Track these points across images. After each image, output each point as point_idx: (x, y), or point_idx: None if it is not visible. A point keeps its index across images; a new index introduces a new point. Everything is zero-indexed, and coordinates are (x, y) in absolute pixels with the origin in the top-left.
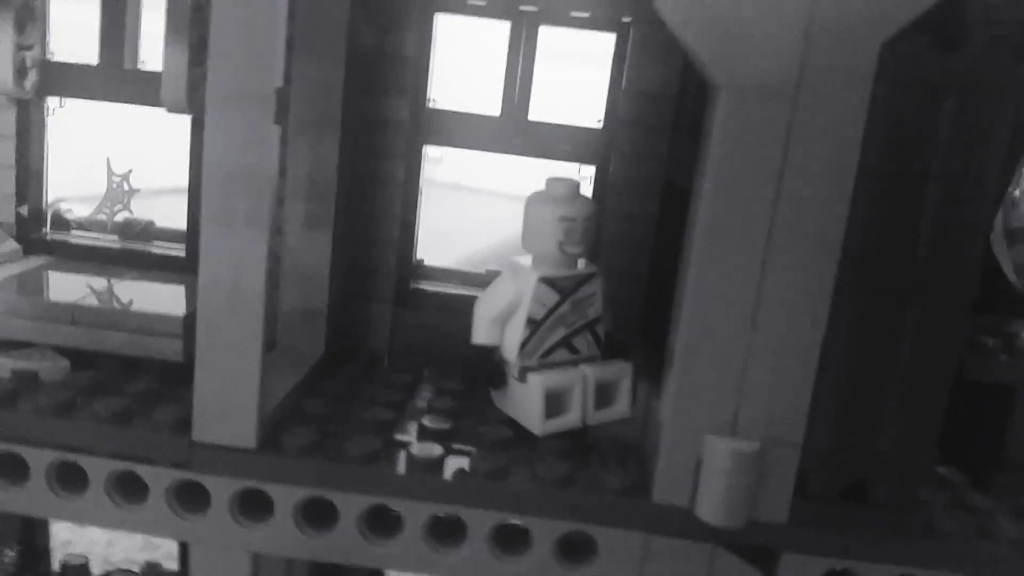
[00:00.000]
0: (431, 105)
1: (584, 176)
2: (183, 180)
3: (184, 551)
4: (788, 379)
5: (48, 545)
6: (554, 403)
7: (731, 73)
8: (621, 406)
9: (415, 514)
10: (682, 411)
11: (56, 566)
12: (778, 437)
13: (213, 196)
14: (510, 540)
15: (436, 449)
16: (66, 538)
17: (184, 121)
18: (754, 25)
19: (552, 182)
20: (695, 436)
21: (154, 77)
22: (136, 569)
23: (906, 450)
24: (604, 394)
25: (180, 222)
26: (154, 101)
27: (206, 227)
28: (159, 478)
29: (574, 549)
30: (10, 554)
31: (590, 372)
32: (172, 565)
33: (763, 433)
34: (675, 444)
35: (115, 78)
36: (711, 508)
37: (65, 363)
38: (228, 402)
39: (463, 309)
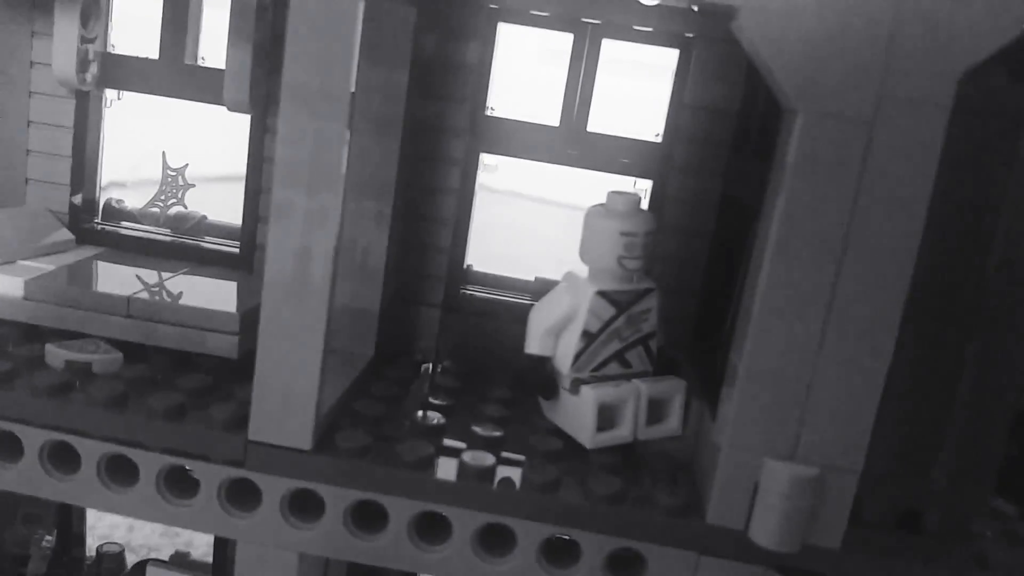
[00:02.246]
0: (490, 113)
1: (640, 189)
2: (234, 169)
3: (219, 542)
4: (851, 405)
5: (84, 531)
6: (606, 416)
7: (809, 98)
8: (672, 423)
9: (465, 522)
10: (742, 433)
11: (91, 553)
12: (837, 463)
13: (283, 193)
14: (556, 553)
15: (488, 458)
16: (90, 523)
17: (241, 119)
18: (834, 52)
19: (613, 196)
20: (754, 459)
21: (213, 74)
22: (164, 556)
23: (962, 481)
24: (656, 410)
25: (230, 212)
26: (212, 98)
27: (275, 225)
28: (211, 475)
29: (623, 565)
30: (48, 539)
31: (644, 387)
32: (195, 551)
33: (823, 459)
34: (733, 466)
35: (174, 73)
36: (766, 532)
37: (118, 355)
38: (287, 403)
39: (511, 315)
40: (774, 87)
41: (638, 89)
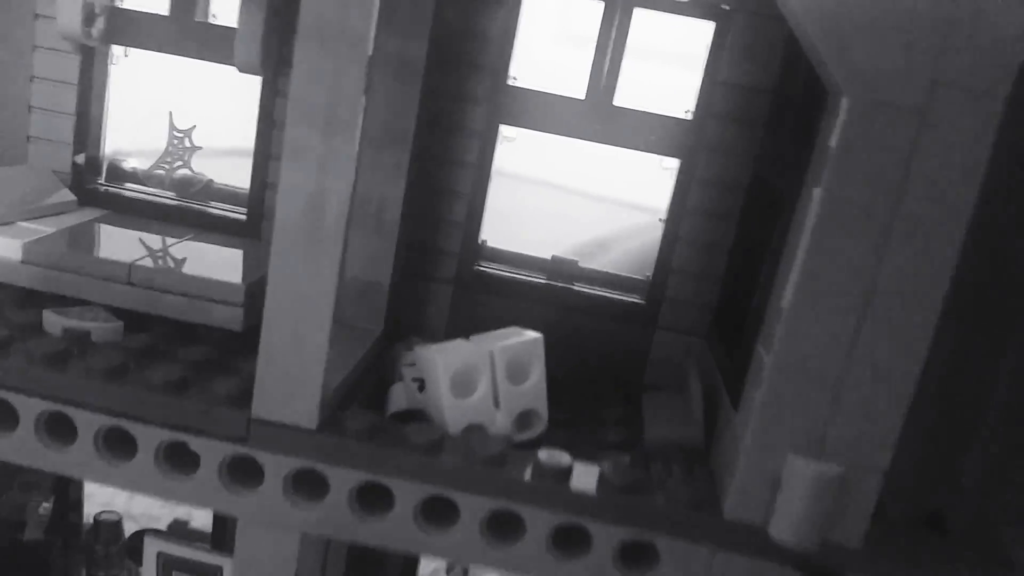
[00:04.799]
0: (512, 83)
1: (667, 168)
2: (240, 143)
3: (219, 520)
4: (881, 404)
5: (81, 499)
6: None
7: (857, 81)
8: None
9: (473, 508)
10: (766, 427)
11: (88, 521)
12: (863, 462)
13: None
14: (568, 541)
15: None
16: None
17: (251, 83)
18: (886, 34)
19: None
20: (777, 454)
21: (225, 32)
22: (163, 525)
23: (990, 484)
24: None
25: (236, 184)
26: (223, 57)
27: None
28: (213, 451)
29: (634, 558)
30: (45, 506)
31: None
32: (194, 521)
33: (848, 456)
34: (754, 460)
35: (184, 31)
36: (786, 528)
37: (119, 324)
38: (292, 381)
39: (524, 293)
40: (819, 68)
41: (667, 77)
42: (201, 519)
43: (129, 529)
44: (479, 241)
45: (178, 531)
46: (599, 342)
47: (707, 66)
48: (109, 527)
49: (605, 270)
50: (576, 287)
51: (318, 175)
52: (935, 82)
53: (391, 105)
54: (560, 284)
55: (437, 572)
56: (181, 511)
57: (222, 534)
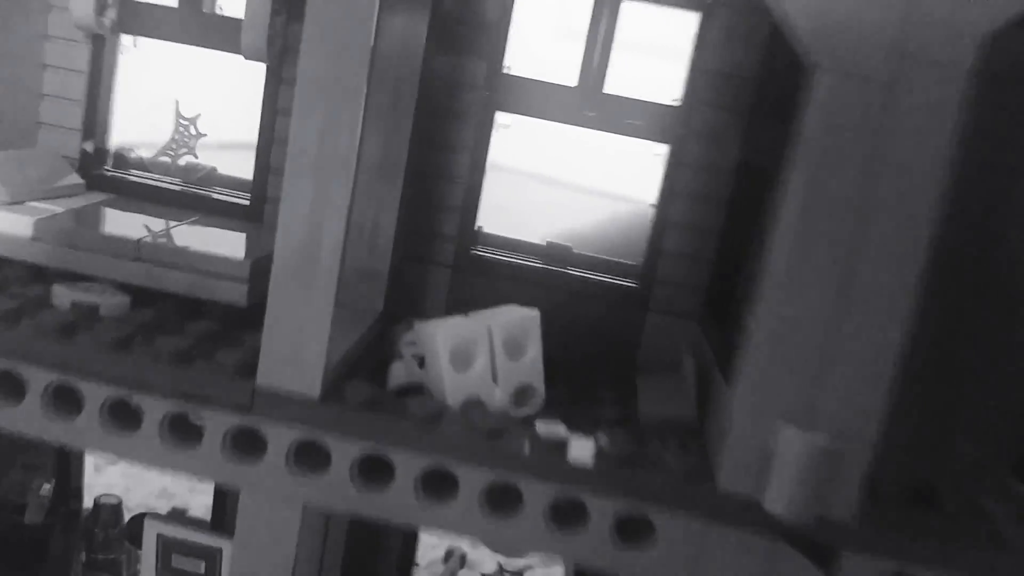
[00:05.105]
0: (507, 71)
1: (657, 154)
2: (243, 136)
3: (218, 503)
4: (866, 373)
5: (81, 482)
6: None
7: (830, 55)
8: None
9: (472, 480)
10: (756, 399)
11: (88, 505)
12: (852, 433)
13: (300, 146)
14: (565, 518)
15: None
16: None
17: (256, 73)
18: (857, 7)
19: None
20: (768, 425)
21: (232, 23)
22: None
23: (981, 460)
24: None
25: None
26: (230, 47)
27: (290, 172)
28: (216, 423)
29: (629, 529)
30: (47, 487)
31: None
32: (192, 512)
33: (837, 428)
34: (746, 432)
35: (193, 20)
36: (779, 500)
37: (125, 299)
38: (297, 348)
39: (522, 278)
40: (796, 44)
41: (651, 68)
42: (198, 509)
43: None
44: (475, 227)
45: (176, 518)
46: (593, 325)
47: (693, 55)
48: (109, 510)
49: (598, 255)
50: (570, 271)
51: (319, 141)
52: (902, 55)
53: (390, 97)
54: (555, 268)
55: (433, 565)
56: (178, 501)
57: (221, 520)
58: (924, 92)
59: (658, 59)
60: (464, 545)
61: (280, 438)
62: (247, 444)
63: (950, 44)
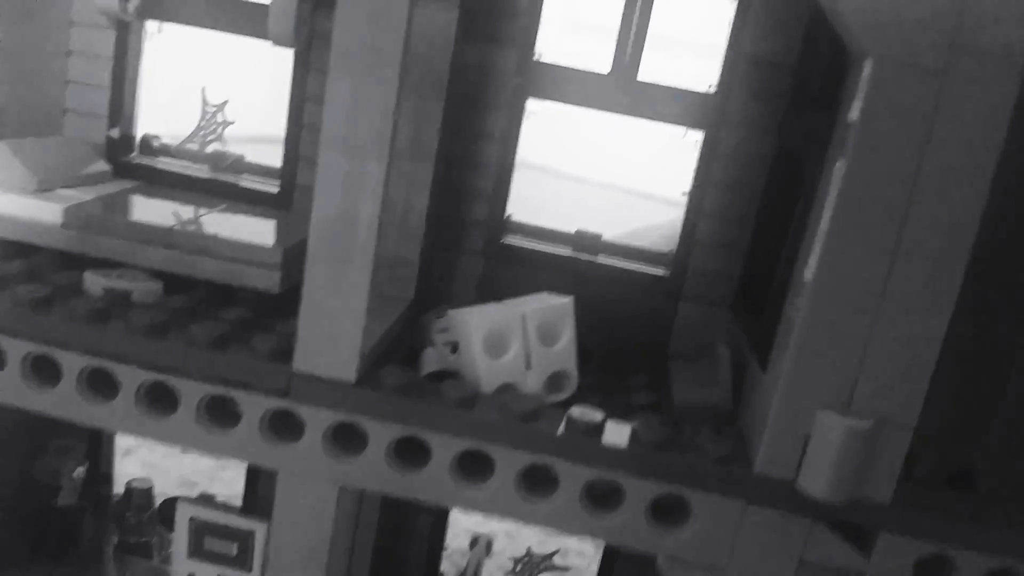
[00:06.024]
0: (538, 58)
1: (691, 141)
2: (270, 129)
3: (249, 488)
4: (909, 360)
5: (112, 468)
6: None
7: (879, 43)
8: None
9: (508, 462)
10: (796, 384)
11: (118, 489)
12: (892, 417)
13: (335, 128)
14: (599, 497)
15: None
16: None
17: (283, 61)
18: None
19: None
20: (806, 409)
21: (259, 8)
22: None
23: (1018, 441)
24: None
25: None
26: (256, 32)
27: (325, 155)
28: (254, 405)
29: (666, 513)
30: (80, 470)
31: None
32: (222, 498)
33: (877, 412)
34: (785, 415)
35: (219, 6)
36: (816, 483)
37: (158, 285)
38: (333, 333)
39: (550, 265)
40: (843, 33)
41: (685, 63)
42: (228, 494)
43: None
44: (505, 215)
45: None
46: (624, 313)
47: (729, 41)
48: (141, 494)
49: (628, 243)
50: (600, 260)
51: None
52: (955, 45)
53: (422, 85)
54: (584, 257)
55: (453, 554)
56: (200, 489)
57: (252, 504)
58: (976, 82)
59: (692, 47)
60: (490, 532)
61: (317, 421)
62: (284, 427)
63: (1004, 35)
